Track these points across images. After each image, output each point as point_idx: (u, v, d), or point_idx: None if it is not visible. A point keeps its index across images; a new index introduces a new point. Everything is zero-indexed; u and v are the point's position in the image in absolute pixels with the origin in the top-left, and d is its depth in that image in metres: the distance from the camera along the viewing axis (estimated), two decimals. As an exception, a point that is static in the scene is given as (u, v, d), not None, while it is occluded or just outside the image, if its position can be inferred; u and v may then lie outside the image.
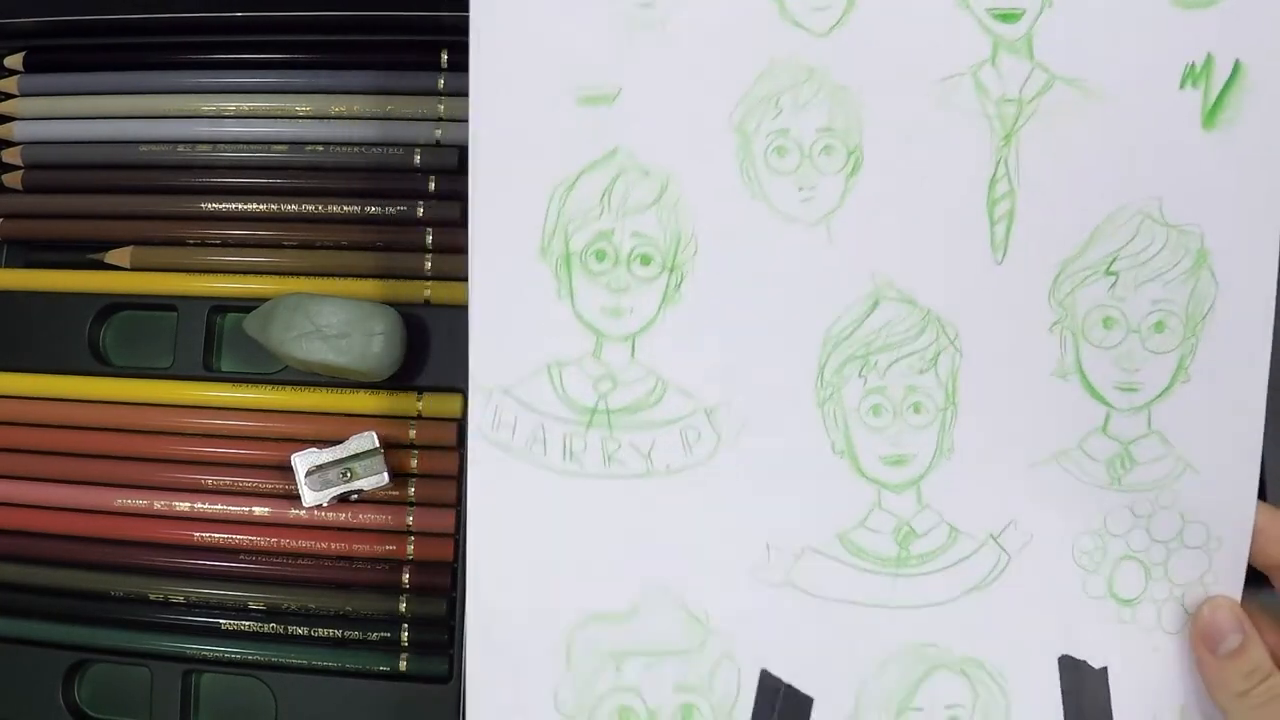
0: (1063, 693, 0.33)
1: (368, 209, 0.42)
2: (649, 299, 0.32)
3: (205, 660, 0.40)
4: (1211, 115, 0.32)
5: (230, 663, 0.40)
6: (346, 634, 0.40)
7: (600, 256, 0.32)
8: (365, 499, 0.40)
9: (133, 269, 0.42)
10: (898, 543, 0.33)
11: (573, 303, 0.32)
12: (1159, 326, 0.32)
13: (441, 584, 0.40)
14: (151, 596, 0.40)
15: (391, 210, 0.42)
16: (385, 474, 0.39)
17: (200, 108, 0.43)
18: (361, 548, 0.40)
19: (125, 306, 0.43)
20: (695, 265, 0.32)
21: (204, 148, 0.42)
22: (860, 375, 0.32)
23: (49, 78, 0.43)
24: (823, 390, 0.33)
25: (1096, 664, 0.33)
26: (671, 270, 0.32)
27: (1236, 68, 0.32)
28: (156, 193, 0.43)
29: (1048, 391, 0.32)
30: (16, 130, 0.43)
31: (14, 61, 0.44)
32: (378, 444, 0.39)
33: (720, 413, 0.32)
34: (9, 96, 0.43)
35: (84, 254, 0.43)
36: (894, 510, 0.33)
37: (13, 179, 0.43)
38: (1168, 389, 0.32)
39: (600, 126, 0.32)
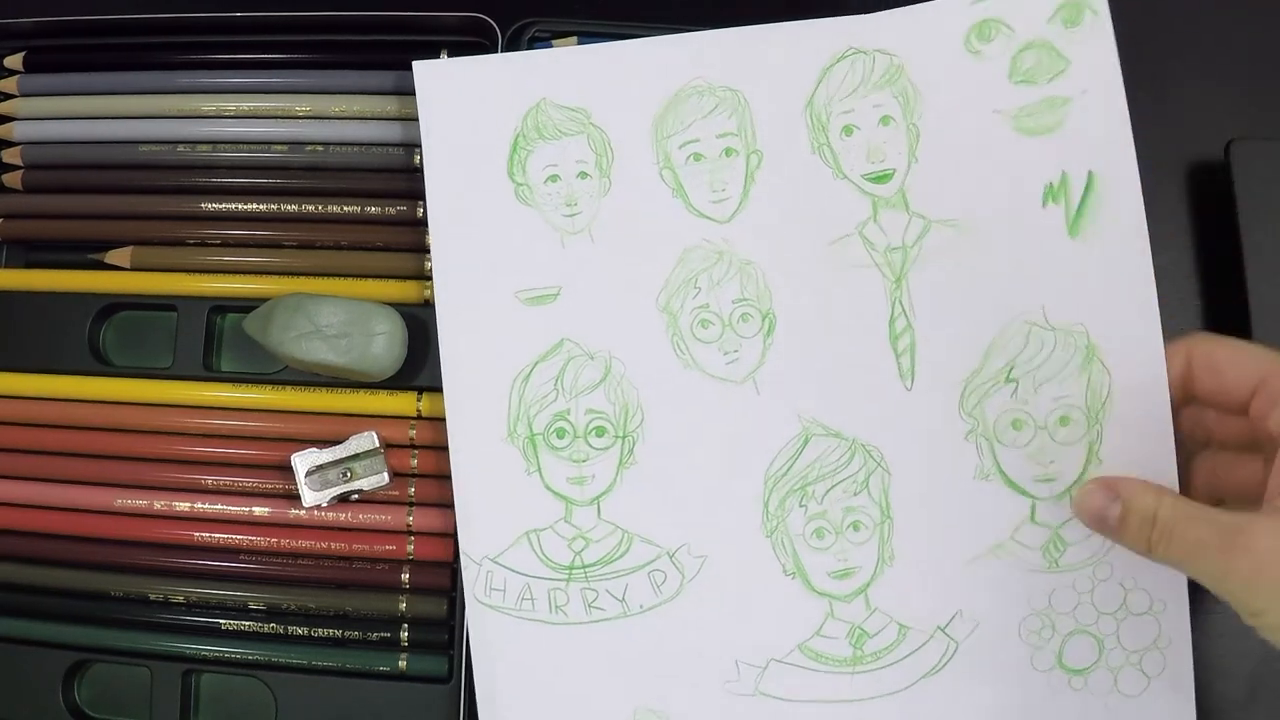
0: None
1: (368, 209, 0.42)
2: (607, 465, 0.37)
3: (205, 660, 0.40)
4: (1075, 224, 0.36)
5: (230, 663, 0.40)
6: (346, 634, 0.40)
7: (560, 434, 0.37)
8: (365, 499, 0.40)
9: (133, 269, 0.42)
10: (852, 645, 0.36)
11: (541, 476, 0.37)
12: (1064, 420, 0.36)
13: (441, 584, 0.40)
14: (151, 596, 0.40)
15: (391, 210, 0.42)
16: (385, 474, 0.39)
17: (200, 108, 0.43)
18: (361, 548, 0.40)
19: (125, 306, 0.43)
20: (644, 431, 0.37)
21: (204, 148, 0.42)
22: (801, 505, 0.36)
23: (49, 78, 0.44)
24: (769, 522, 0.37)
25: None
26: (624, 438, 0.37)
27: (1090, 178, 0.36)
28: (156, 193, 0.43)
29: (974, 493, 0.36)
30: (16, 130, 0.43)
31: (14, 61, 0.44)
32: (378, 444, 0.39)
33: (681, 554, 0.37)
34: (9, 96, 0.43)
35: (84, 254, 0.43)
36: (845, 617, 0.36)
37: (13, 179, 0.43)
38: (1082, 475, 0.35)
39: (547, 322, 0.38)
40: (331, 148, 0.42)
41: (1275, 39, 0.43)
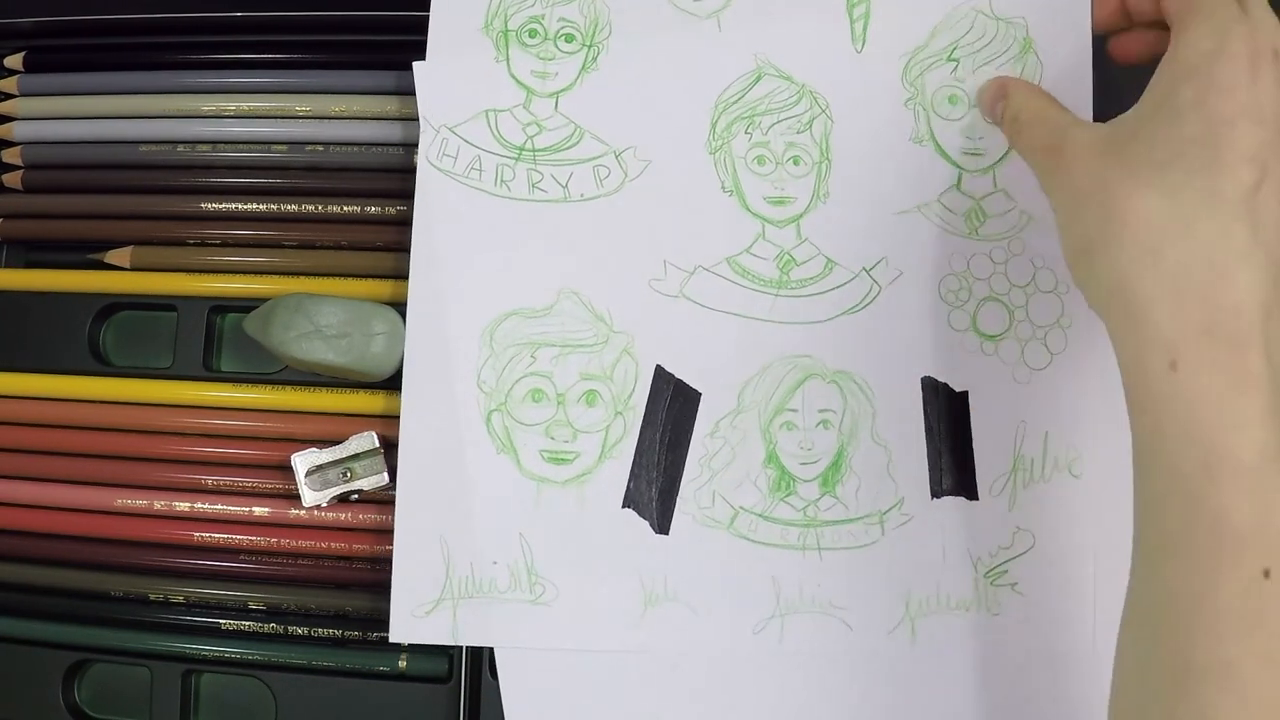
0: (924, 409, 0.37)
1: (368, 209, 0.42)
2: (570, 67, 0.39)
3: (205, 660, 0.40)
4: None
5: (230, 663, 0.40)
6: (346, 634, 0.40)
7: (532, 34, 0.39)
8: (365, 499, 0.40)
9: (133, 269, 0.42)
10: (779, 268, 0.38)
11: (509, 66, 0.39)
12: None
13: (441, 584, 0.40)
14: (151, 596, 0.40)
15: (391, 210, 0.42)
16: (385, 474, 0.39)
17: (200, 108, 0.43)
18: (361, 548, 0.40)
19: (125, 306, 0.43)
20: (610, 44, 0.39)
21: (204, 148, 0.42)
22: (747, 132, 0.39)
23: (49, 78, 0.44)
24: (715, 140, 0.39)
25: (958, 387, 0.37)
26: (590, 47, 0.39)
27: None
28: (156, 193, 0.43)
29: (908, 154, 0.38)
30: (16, 130, 0.43)
31: (14, 61, 0.44)
32: (378, 444, 0.39)
33: (627, 155, 0.39)
34: (9, 96, 0.43)
35: (84, 254, 0.43)
36: (776, 241, 0.38)
37: (13, 179, 0.43)
38: (1006, 154, 0.38)
39: None
40: (331, 148, 0.42)
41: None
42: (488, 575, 0.37)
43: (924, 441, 0.37)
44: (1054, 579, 0.37)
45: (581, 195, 0.39)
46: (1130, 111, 0.30)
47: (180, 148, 0.42)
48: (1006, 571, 0.37)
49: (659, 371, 0.38)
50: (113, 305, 0.43)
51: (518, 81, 0.39)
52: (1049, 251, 0.37)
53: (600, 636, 0.37)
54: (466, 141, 0.39)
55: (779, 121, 0.39)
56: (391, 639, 0.37)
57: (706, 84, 0.39)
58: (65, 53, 0.44)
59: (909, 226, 0.38)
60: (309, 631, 0.40)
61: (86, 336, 0.42)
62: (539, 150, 0.39)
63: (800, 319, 0.38)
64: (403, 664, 0.39)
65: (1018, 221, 0.38)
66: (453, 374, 0.38)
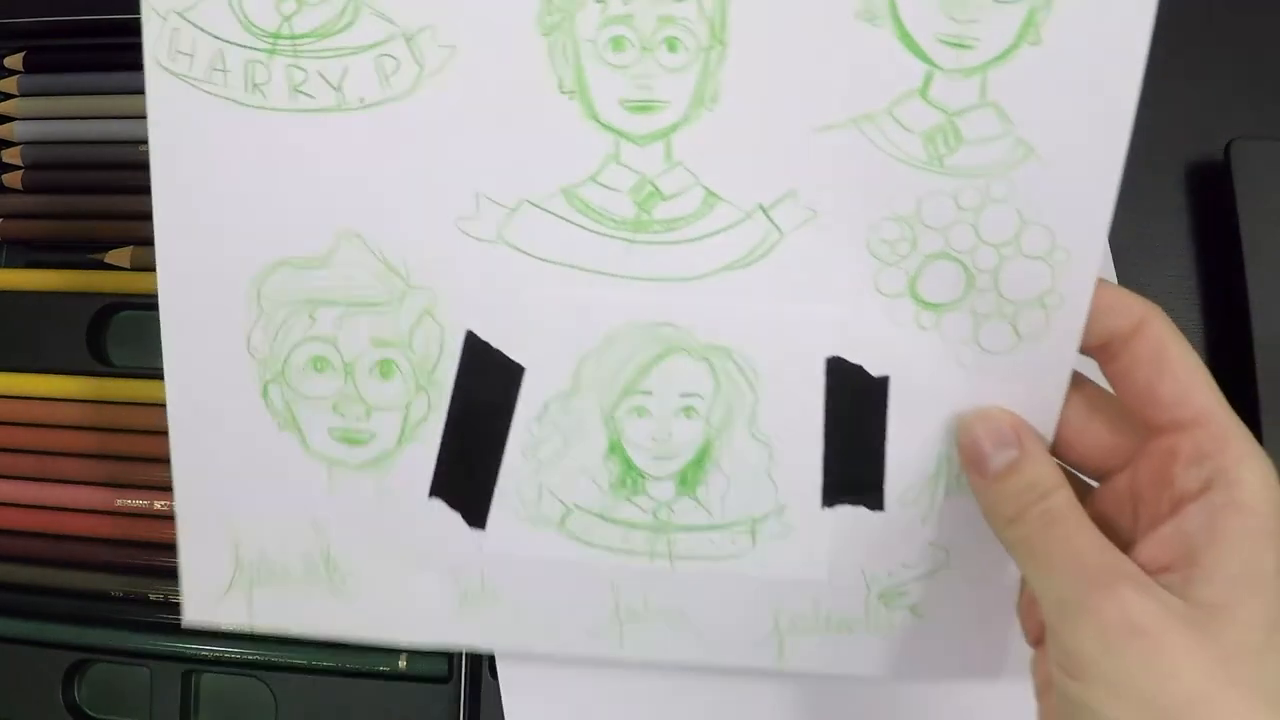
0: (827, 399, 0.29)
1: (368, 209, 0.42)
2: None
3: (205, 660, 0.40)
4: None
5: (230, 663, 0.40)
6: (346, 634, 0.40)
7: None
8: (365, 499, 0.40)
9: (133, 269, 0.42)
10: (637, 204, 0.28)
11: None
12: None
13: (441, 584, 0.40)
14: (151, 596, 0.40)
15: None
16: (385, 474, 0.39)
17: (200, 108, 0.43)
18: (361, 548, 0.40)
19: (125, 306, 0.43)
20: None
21: (204, 148, 0.42)
22: (598, 1, 0.27)
23: (49, 78, 0.43)
24: (550, 15, 0.27)
25: (875, 372, 0.29)
26: None
27: None
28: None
29: (850, 37, 0.26)
30: (16, 130, 0.43)
31: (14, 61, 0.44)
32: (378, 444, 0.39)
33: (424, 38, 0.28)
34: (9, 96, 0.43)
35: (84, 254, 0.43)
36: (636, 166, 0.28)
37: (13, 179, 0.43)
38: (1011, 49, 0.26)
39: None
40: (331, 148, 0.42)
41: (1275, 39, 0.43)
42: (281, 560, 0.32)
43: (820, 439, 0.29)
44: (965, 603, 0.31)
45: (361, 100, 0.28)
46: (1201, 577, 0.24)
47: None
48: (905, 593, 0.31)
49: (470, 339, 0.30)
50: (113, 305, 0.43)
51: None
52: (1049, 203, 0.27)
53: (410, 632, 0.33)
54: (204, 31, 0.28)
55: None
56: (184, 622, 0.33)
57: None
58: (65, 53, 0.44)
59: (836, 148, 0.27)
60: (309, 631, 0.40)
61: (86, 336, 0.42)
62: (299, 36, 0.28)
63: (663, 274, 0.28)
64: (403, 664, 0.39)
65: (1009, 154, 0.26)
66: (218, 339, 0.31)
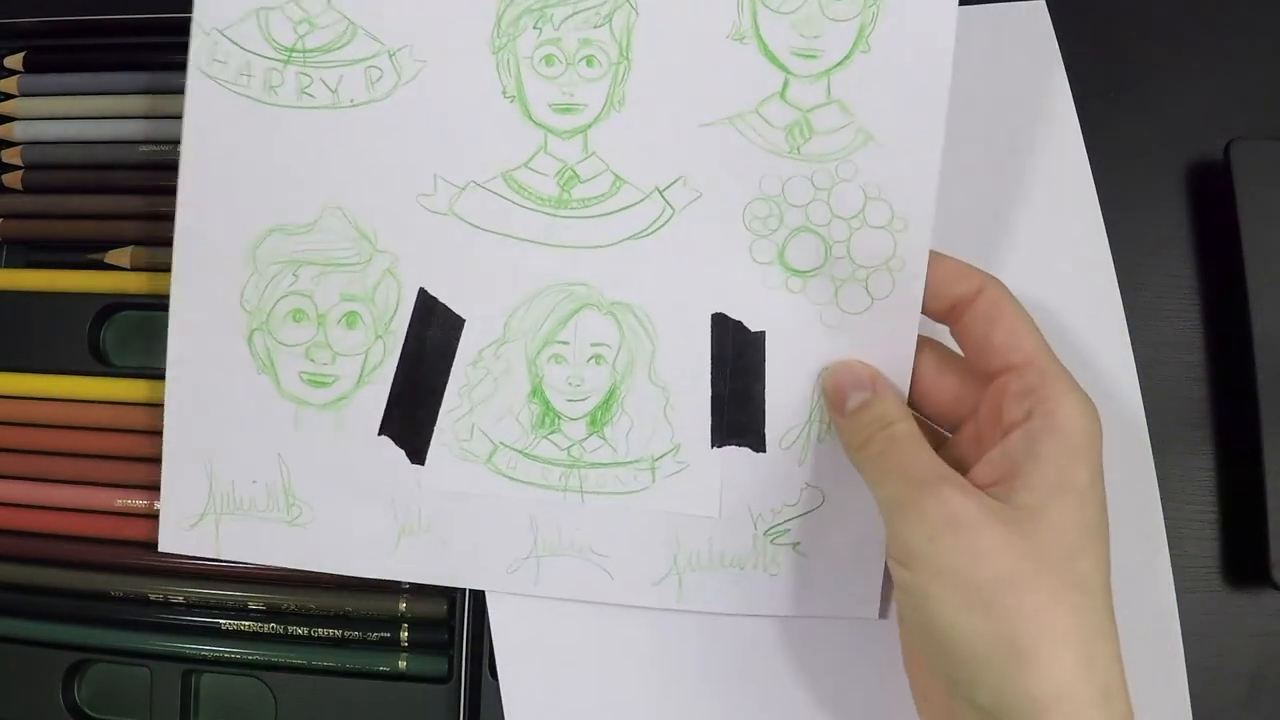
0: (713, 348, 0.35)
1: (368, 209, 0.42)
2: None
3: (205, 660, 0.40)
4: None
5: (230, 663, 0.40)
6: (346, 634, 0.40)
7: None
8: (365, 499, 0.40)
9: (133, 269, 0.42)
10: (560, 185, 0.35)
11: None
12: None
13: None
14: (151, 596, 0.40)
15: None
16: (385, 474, 0.39)
17: (200, 108, 0.42)
18: (361, 548, 0.40)
19: (125, 306, 0.43)
20: None
21: (204, 148, 0.42)
22: (536, 27, 0.35)
23: (49, 78, 0.43)
24: (499, 38, 0.35)
25: (754, 327, 0.35)
26: None
27: None
28: (156, 193, 0.42)
29: (724, 54, 0.34)
30: (16, 130, 0.43)
31: (14, 61, 0.44)
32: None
33: (403, 55, 0.35)
34: (9, 96, 0.43)
35: (84, 254, 0.43)
36: (559, 155, 0.35)
37: (13, 179, 0.43)
38: (848, 57, 0.33)
39: None
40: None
41: (1275, 39, 0.43)
42: (248, 494, 0.37)
43: (709, 385, 0.35)
44: (841, 542, 0.35)
45: (351, 101, 0.36)
46: (1021, 486, 0.28)
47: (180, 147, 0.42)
48: (788, 530, 0.35)
49: (421, 295, 0.36)
50: (113, 305, 0.43)
51: None
52: (886, 181, 0.33)
53: (354, 562, 0.37)
54: (236, 45, 0.36)
55: (574, 14, 0.34)
56: (160, 549, 0.38)
57: None
58: (65, 53, 0.44)
59: (716, 141, 0.34)
60: (309, 631, 0.40)
61: (86, 336, 0.42)
62: (309, 51, 0.36)
63: (579, 243, 0.35)
64: (403, 664, 0.39)
65: (851, 140, 0.33)
66: (217, 292, 0.37)
